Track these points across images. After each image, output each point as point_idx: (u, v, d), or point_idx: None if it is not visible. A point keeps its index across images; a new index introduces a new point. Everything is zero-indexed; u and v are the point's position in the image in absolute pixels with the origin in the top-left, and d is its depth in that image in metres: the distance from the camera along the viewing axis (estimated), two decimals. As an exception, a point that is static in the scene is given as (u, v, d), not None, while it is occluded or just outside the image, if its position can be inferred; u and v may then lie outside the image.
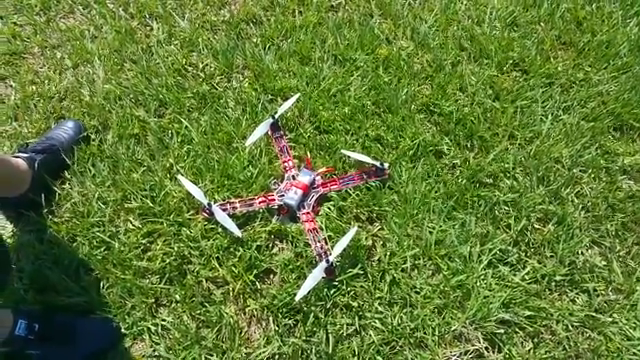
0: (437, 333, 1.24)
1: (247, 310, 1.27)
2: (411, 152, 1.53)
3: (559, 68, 1.78)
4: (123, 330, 1.23)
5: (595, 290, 1.33)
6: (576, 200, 1.47)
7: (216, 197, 1.43)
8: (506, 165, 1.52)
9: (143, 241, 1.35)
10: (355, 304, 1.26)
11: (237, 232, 1.33)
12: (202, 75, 1.72)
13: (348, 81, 1.71)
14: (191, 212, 1.40)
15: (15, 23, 1.88)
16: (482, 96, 1.69)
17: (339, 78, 1.71)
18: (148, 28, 1.88)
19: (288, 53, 1.79)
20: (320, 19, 1.89)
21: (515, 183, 1.49)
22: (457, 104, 1.66)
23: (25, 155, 1.37)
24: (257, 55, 1.78)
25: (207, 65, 1.76)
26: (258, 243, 1.35)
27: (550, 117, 1.64)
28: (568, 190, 1.49)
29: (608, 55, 1.82)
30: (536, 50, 1.83)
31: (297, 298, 1.21)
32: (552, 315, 1.28)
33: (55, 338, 1.15)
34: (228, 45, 1.80)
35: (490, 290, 1.30)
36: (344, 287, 1.28)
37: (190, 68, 1.75)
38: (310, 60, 1.78)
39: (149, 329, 1.23)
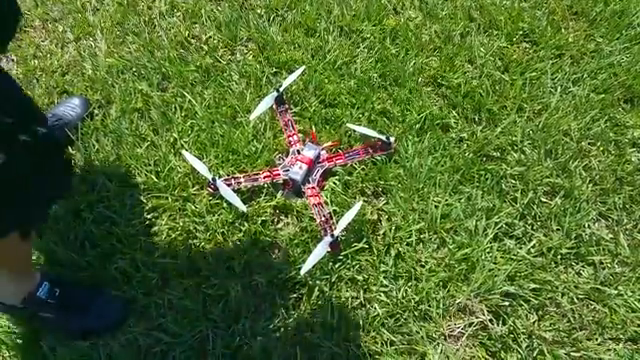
0: (442, 306, 1.24)
1: (253, 284, 1.27)
2: (417, 126, 1.51)
3: (570, 39, 1.74)
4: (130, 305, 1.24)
5: (601, 263, 1.32)
6: (584, 173, 1.46)
7: (221, 172, 1.42)
8: (514, 138, 1.50)
9: (148, 216, 1.35)
10: (360, 278, 1.27)
11: (242, 207, 1.33)
12: (205, 48, 1.70)
13: (354, 53, 1.69)
14: (196, 187, 1.40)
15: (16, -4, 1.86)
16: (491, 68, 1.66)
17: (345, 50, 1.68)
18: (150, 0, 1.85)
19: (293, 24, 1.76)
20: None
21: (522, 156, 1.47)
22: (465, 76, 1.64)
23: None
24: (261, 27, 1.75)
25: (210, 37, 1.73)
26: (263, 218, 1.35)
27: (559, 89, 1.62)
28: (576, 163, 1.47)
29: (621, 25, 1.78)
30: (547, 20, 1.79)
31: (302, 272, 1.22)
32: (557, 288, 1.28)
33: (71, 307, 1.17)
34: (231, 16, 1.77)
35: (495, 263, 1.30)
36: (349, 261, 1.29)
37: (193, 40, 1.73)
38: (315, 32, 1.75)
39: (156, 303, 1.24)
